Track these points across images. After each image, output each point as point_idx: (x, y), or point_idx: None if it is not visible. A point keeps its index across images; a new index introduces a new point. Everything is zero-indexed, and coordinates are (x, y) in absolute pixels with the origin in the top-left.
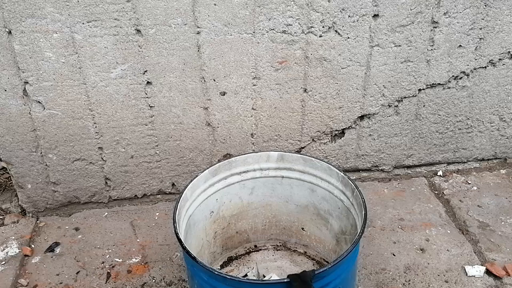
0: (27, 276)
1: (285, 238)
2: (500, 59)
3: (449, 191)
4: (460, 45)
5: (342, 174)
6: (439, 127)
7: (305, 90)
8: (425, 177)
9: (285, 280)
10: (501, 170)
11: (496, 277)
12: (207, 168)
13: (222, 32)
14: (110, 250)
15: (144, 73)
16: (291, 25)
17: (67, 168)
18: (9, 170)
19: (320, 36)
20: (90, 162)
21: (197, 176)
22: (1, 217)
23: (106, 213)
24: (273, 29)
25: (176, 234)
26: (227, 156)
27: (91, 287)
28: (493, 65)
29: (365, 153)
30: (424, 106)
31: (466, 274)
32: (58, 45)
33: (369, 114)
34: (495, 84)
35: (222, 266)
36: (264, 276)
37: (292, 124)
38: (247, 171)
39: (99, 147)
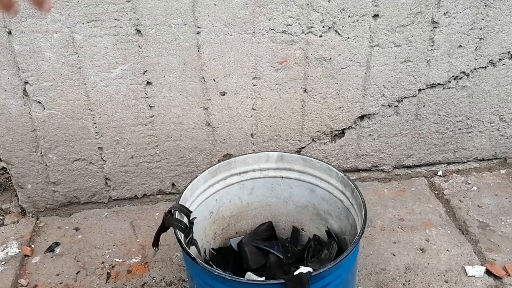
0: (27, 276)
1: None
2: (500, 59)
3: (449, 191)
4: (460, 45)
5: (341, 174)
6: (439, 127)
7: (305, 90)
8: (425, 177)
9: (281, 282)
10: (501, 170)
11: (496, 277)
12: (207, 168)
13: (222, 32)
14: (110, 250)
15: (144, 73)
16: (291, 25)
17: (67, 168)
18: (9, 170)
19: (320, 36)
20: (90, 162)
21: (196, 176)
22: (1, 217)
23: (106, 213)
24: (273, 29)
25: (176, 235)
26: (227, 156)
27: (91, 287)
28: (493, 65)
29: (365, 153)
30: (424, 106)
31: (466, 274)
32: (58, 45)
33: (369, 114)
34: (495, 84)
35: None
36: None
37: (292, 124)
38: (246, 172)
39: (99, 147)
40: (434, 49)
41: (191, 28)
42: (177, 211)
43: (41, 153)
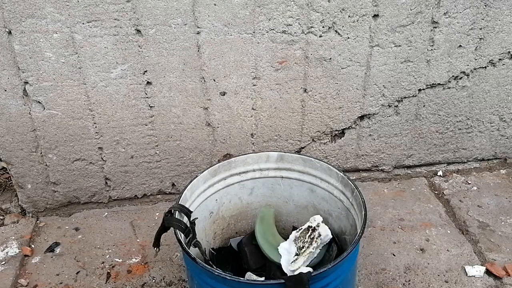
0: (27, 276)
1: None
2: (500, 59)
3: (449, 191)
4: (460, 45)
5: (341, 174)
6: (439, 127)
7: (305, 90)
8: (425, 177)
9: (281, 282)
10: (501, 170)
11: (496, 277)
12: (207, 168)
13: (222, 32)
14: (110, 250)
15: (144, 73)
16: (291, 25)
17: (67, 168)
18: (9, 170)
19: (320, 36)
20: (90, 162)
21: (196, 176)
22: (1, 217)
23: (106, 213)
24: (273, 29)
25: (176, 235)
26: (227, 156)
27: (91, 287)
28: (493, 65)
29: (365, 153)
30: (424, 106)
31: (466, 274)
32: (58, 45)
33: (369, 114)
34: (495, 84)
35: None
36: None
37: (292, 124)
38: (246, 172)
39: (99, 147)
40: (434, 49)
41: (191, 28)
42: (177, 211)
43: (41, 153)
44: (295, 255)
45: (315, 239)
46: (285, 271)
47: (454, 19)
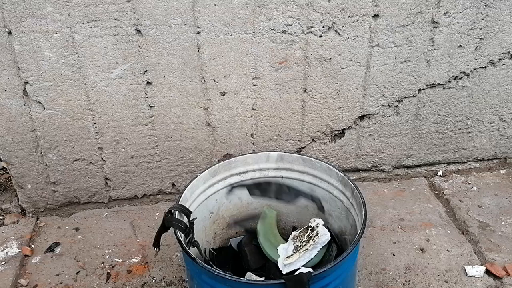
0: (27, 276)
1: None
2: (500, 59)
3: (449, 191)
4: (460, 45)
5: (341, 174)
6: (439, 127)
7: (305, 90)
8: (425, 177)
9: (281, 282)
10: (501, 170)
11: (496, 277)
12: (207, 168)
13: (222, 32)
14: (110, 250)
15: (144, 73)
16: (291, 25)
17: (67, 168)
18: (9, 170)
19: (320, 36)
20: (90, 162)
21: (196, 176)
22: (1, 217)
23: (106, 213)
24: (273, 29)
25: (176, 235)
26: (227, 156)
27: (91, 287)
28: (493, 65)
29: (365, 153)
30: (424, 106)
31: (466, 274)
32: (58, 45)
33: (369, 114)
34: (495, 84)
35: None
36: None
37: (292, 124)
38: (246, 172)
39: (99, 147)
40: (434, 49)
41: (191, 28)
42: (177, 211)
43: (41, 153)
44: (292, 253)
45: (312, 238)
46: (280, 267)
47: (454, 19)
